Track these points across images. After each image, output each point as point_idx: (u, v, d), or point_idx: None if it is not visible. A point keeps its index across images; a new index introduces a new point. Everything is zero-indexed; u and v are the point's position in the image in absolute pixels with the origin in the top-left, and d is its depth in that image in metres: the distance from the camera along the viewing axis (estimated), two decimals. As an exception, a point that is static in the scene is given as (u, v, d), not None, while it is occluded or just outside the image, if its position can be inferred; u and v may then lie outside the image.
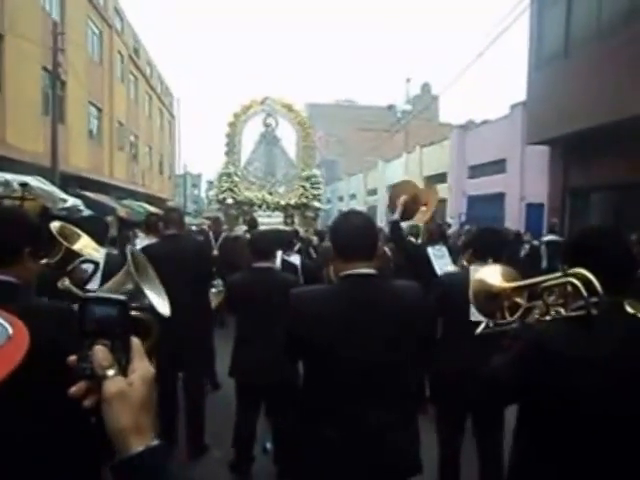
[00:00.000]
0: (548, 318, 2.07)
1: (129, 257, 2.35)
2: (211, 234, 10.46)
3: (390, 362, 2.33)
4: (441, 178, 28.75)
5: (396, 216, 5.42)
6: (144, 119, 35.13)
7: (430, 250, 5.82)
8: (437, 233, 6.47)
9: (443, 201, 28.03)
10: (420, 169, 32.33)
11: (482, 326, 2.38)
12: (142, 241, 6.59)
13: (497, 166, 22.43)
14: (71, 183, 17.90)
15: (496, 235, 3.99)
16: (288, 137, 15.94)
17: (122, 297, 1.00)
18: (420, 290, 2.54)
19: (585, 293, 1.88)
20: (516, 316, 2.24)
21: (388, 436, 2.30)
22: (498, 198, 22.08)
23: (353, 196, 51.34)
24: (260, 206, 14.90)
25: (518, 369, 2.00)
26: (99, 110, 25.57)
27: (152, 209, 25.32)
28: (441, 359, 3.62)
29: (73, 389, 0.87)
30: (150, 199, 30.96)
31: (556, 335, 1.94)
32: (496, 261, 3.40)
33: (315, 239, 10.65)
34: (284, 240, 6.44)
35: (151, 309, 2.32)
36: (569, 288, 1.99)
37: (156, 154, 39.26)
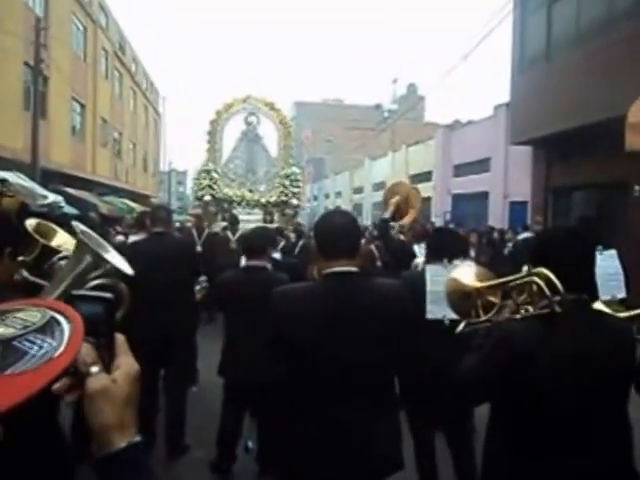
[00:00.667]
0: (518, 316, 2.13)
1: (77, 229, 2.30)
2: (194, 231, 10.42)
3: (372, 360, 2.32)
4: (426, 177, 28.89)
5: (387, 215, 5.46)
6: (128, 116, 34.90)
7: (416, 248, 5.86)
8: (421, 232, 6.67)
9: (428, 199, 28.18)
10: (406, 168, 32.45)
11: (462, 325, 2.40)
12: (133, 239, 6.54)
13: (481, 165, 22.63)
14: (52, 179, 17.76)
15: (451, 235, 4.07)
16: (269, 135, 15.93)
17: (108, 295, 1.00)
18: (404, 288, 2.55)
19: (547, 292, 1.93)
20: (490, 315, 2.28)
21: (370, 434, 2.31)
22: (482, 197, 22.27)
23: (339, 194, 51.45)
24: (239, 203, 14.86)
25: (488, 367, 2.04)
26: (82, 106, 25.37)
27: (135, 206, 25.25)
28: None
29: (56, 385, 0.85)
30: (134, 196, 30.83)
31: (523, 333, 1.99)
32: (451, 260, 3.44)
33: (293, 236, 10.65)
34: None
35: (117, 272, 2.28)
36: (534, 287, 2.03)
37: (140, 151, 39.03)
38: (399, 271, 4.26)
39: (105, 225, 16.21)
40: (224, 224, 11.27)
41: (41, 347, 0.84)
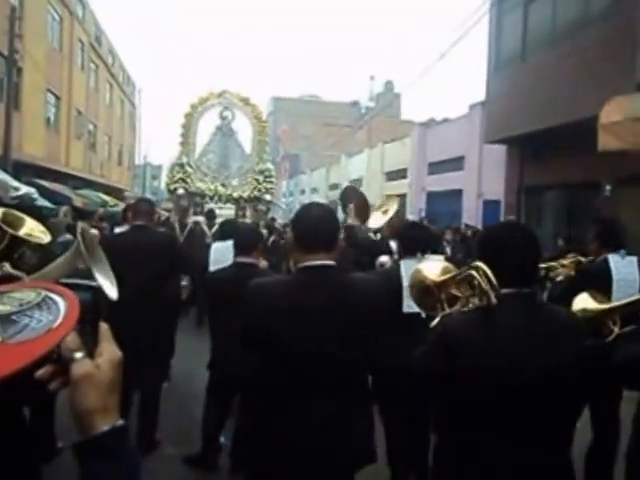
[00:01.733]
0: (465, 309, 2.24)
1: (79, 236, 2.32)
2: (177, 225, 10.42)
3: (347, 354, 2.30)
4: (402, 174, 29.08)
5: (350, 221, 5.61)
6: (104, 108, 34.47)
7: (393, 244, 5.95)
8: (399, 228, 6.68)
9: (403, 196, 28.36)
10: (381, 165, 32.62)
11: (437, 320, 2.43)
12: (119, 231, 6.54)
13: (456, 163, 22.82)
14: (25, 171, 17.51)
15: (422, 230, 4.18)
16: (244, 130, 15.90)
17: (94, 283, 1.05)
18: (379, 284, 2.58)
19: (484, 285, 2.01)
20: (454, 308, 2.36)
21: (343, 429, 2.30)
22: (456, 194, 22.47)
23: (315, 190, 51.39)
24: (212, 198, 14.82)
25: (430, 358, 2.14)
26: (57, 98, 24.99)
27: (109, 199, 24.98)
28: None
29: (40, 372, 0.87)
30: (108, 189, 30.46)
31: (459, 325, 2.09)
32: (424, 254, 3.57)
33: (265, 232, 10.69)
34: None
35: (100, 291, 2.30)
36: (475, 282, 2.11)
37: (115, 144, 38.58)
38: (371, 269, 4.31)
39: (79, 218, 16.06)
40: (196, 218, 11.25)
41: (40, 320, 0.90)
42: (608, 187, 12.10)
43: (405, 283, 3.38)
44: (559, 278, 4.58)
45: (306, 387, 2.28)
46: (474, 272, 2.09)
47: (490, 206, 19.11)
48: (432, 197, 25.40)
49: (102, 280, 2.41)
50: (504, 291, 2.00)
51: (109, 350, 0.95)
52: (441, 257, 3.61)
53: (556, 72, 12.43)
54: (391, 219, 6.75)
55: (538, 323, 2.03)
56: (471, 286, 2.22)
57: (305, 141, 60.25)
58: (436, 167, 25.23)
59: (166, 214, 12.90)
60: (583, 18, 12.35)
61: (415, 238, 3.84)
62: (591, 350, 2.16)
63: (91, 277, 2.31)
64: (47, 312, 0.92)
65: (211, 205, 13.91)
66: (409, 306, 3.32)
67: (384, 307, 2.48)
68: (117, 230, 6.92)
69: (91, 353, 0.93)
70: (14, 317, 0.90)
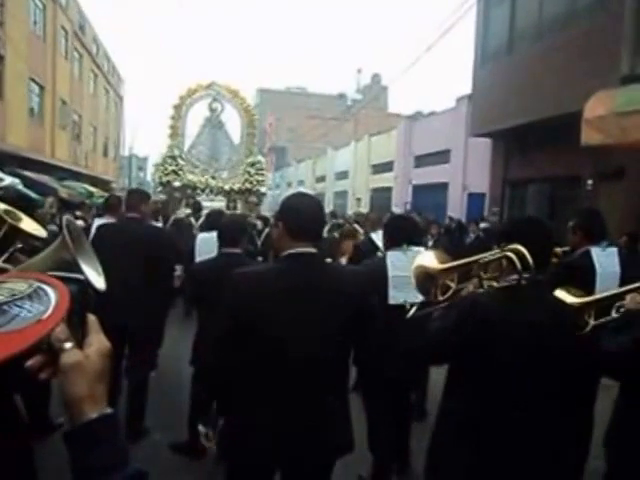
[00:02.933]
0: (481, 291, 2.35)
1: (65, 228, 2.32)
2: (160, 217, 10.38)
3: (330, 342, 2.33)
4: (388, 167, 29.17)
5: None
6: (89, 98, 34.10)
7: (374, 236, 6.07)
8: (376, 221, 7.18)
9: (389, 189, 28.47)
10: (368, 158, 32.67)
11: (413, 310, 2.57)
12: (100, 222, 6.40)
13: (441, 157, 22.94)
14: (9, 162, 17.34)
15: (407, 221, 4.23)
16: (233, 122, 15.89)
17: (81, 276, 1.07)
18: (364, 274, 2.65)
19: (519, 265, 2.17)
20: (446, 297, 2.43)
21: (324, 419, 2.34)
22: (442, 187, 22.59)
23: (301, 182, 51.39)
24: (203, 190, 14.81)
25: (451, 332, 2.26)
26: (41, 87, 24.65)
27: (95, 191, 24.81)
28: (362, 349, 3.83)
29: (30, 362, 0.88)
30: (93, 181, 30.24)
31: (488, 301, 2.25)
32: (409, 245, 3.62)
33: (259, 223, 10.70)
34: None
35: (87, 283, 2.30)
36: (504, 263, 2.27)
37: (101, 135, 38.24)
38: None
39: (65, 210, 15.96)
40: (188, 211, 11.25)
41: (30, 311, 0.92)
42: (589, 181, 12.23)
43: (391, 274, 3.43)
44: None
45: (289, 374, 2.29)
46: (511, 253, 2.23)
47: (475, 199, 19.25)
48: (418, 190, 25.50)
49: (88, 271, 2.41)
50: (526, 276, 2.18)
51: (98, 341, 0.97)
52: (422, 249, 3.64)
53: (542, 66, 12.52)
54: (368, 214, 7.05)
55: (553, 306, 2.30)
56: (491, 269, 2.37)
57: (291, 133, 60.16)
58: (422, 160, 25.34)
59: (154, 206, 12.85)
60: (569, 13, 12.44)
61: (400, 229, 3.88)
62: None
63: (78, 269, 2.32)
64: (38, 303, 0.94)
65: (199, 197, 13.89)
66: (394, 297, 3.36)
67: (368, 296, 2.51)
68: (97, 222, 6.80)
69: (80, 344, 0.94)
70: (5, 307, 0.92)
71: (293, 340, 2.27)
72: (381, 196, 29.53)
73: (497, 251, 2.33)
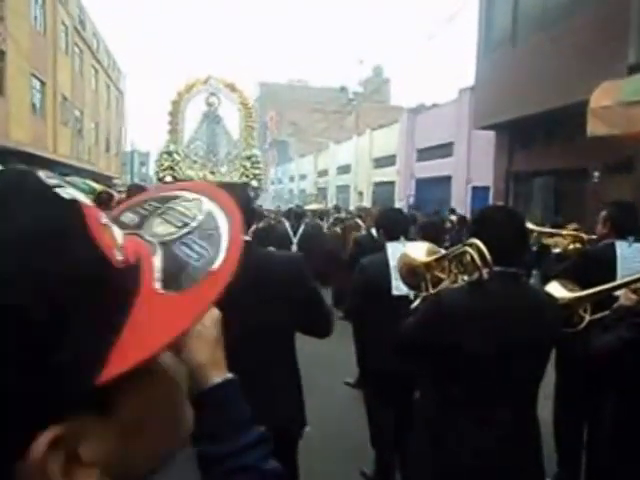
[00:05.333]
0: (456, 285, 2.36)
1: None
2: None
3: (264, 325, 2.35)
4: (390, 160, 29.07)
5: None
6: (90, 94, 34.07)
7: (374, 232, 6.11)
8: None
9: (392, 183, 28.39)
10: (370, 151, 32.58)
11: (417, 301, 2.59)
12: None
13: (445, 150, 22.82)
14: (11, 158, 17.29)
15: (400, 214, 4.30)
16: (231, 116, 15.85)
17: None
18: (301, 260, 2.64)
19: (478, 261, 2.14)
20: (444, 284, 2.46)
21: (271, 398, 2.34)
22: (445, 181, 22.49)
23: (303, 177, 51.38)
24: (201, 185, 14.80)
25: (421, 327, 2.31)
26: (42, 83, 24.62)
27: (97, 186, 24.77)
28: (367, 341, 3.88)
29: None
30: (96, 176, 30.21)
31: (452, 297, 2.25)
32: (406, 237, 3.64)
33: None
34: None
35: None
36: (468, 258, 2.24)
37: (102, 130, 38.22)
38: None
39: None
40: None
41: (200, 255, 0.62)
42: (596, 173, 12.15)
43: (392, 264, 3.43)
44: (556, 250, 4.55)
45: (232, 355, 2.33)
46: (469, 248, 2.21)
47: (479, 192, 19.18)
48: (421, 184, 25.42)
49: None
50: (494, 269, 2.15)
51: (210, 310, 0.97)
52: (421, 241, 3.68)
53: (546, 57, 12.42)
54: (370, 209, 7.06)
55: (521, 300, 2.24)
56: (462, 263, 2.35)
57: (293, 127, 60.06)
58: (425, 153, 25.23)
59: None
60: (574, 1, 12.32)
61: (395, 221, 3.93)
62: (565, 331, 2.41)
63: None
64: (207, 241, 0.64)
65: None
66: (397, 288, 3.38)
67: (297, 278, 2.52)
68: None
69: None
70: (174, 248, 0.63)
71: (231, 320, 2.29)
72: (384, 190, 29.45)
73: (459, 246, 2.34)
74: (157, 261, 0.59)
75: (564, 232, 4.68)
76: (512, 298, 2.22)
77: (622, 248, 3.64)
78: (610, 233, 3.79)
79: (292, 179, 56.36)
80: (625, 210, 3.88)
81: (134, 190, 5.13)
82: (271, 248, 3.65)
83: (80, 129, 31.58)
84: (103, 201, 6.21)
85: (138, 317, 0.50)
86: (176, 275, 0.58)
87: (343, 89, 44.97)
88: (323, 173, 44.64)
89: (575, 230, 4.77)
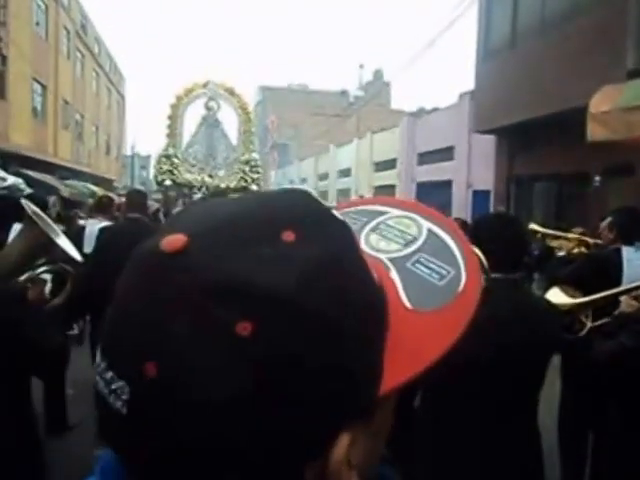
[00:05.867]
0: None
1: (27, 210, 2.26)
2: (161, 215, 10.35)
3: None
4: (391, 164, 29.07)
5: None
6: (91, 98, 34.15)
7: None
8: None
9: (392, 187, 28.39)
10: (370, 155, 32.58)
11: None
12: (94, 223, 6.24)
13: (445, 154, 22.78)
14: (12, 162, 17.34)
15: None
16: (229, 121, 15.89)
17: None
18: None
19: None
20: None
21: None
22: (446, 185, 22.46)
23: (304, 180, 51.35)
24: (199, 189, 14.79)
25: None
26: (43, 87, 24.70)
27: (97, 190, 24.82)
28: None
29: None
30: (96, 180, 30.29)
31: None
32: None
33: None
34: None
35: (67, 258, 2.29)
36: None
37: (103, 134, 38.29)
38: None
39: (67, 209, 15.94)
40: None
41: (441, 275, 0.60)
42: (597, 178, 12.13)
43: None
44: (561, 253, 4.53)
45: None
46: None
47: (480, 196, 19.13)
48: (422, 188, 25.39)
49: (63, 244, 2.36)
50: (492, 276, 2.14)
51: None
52: None
53: (546, 61, 12.42)
54: None
55: (519, 307, 2.23)
56: None
57: (293, 130, 60.08)
58: (426, 157, 25.21)
59: (156, 205, 12.87)
60: (573, 6, 12.32)
61: None
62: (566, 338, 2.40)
63: (57, 248, 2.30)
64: (443, 259, 0.62)
65: (196, 196, 13.87)
66: None
67: None
68: (91, 222, 6.61)
69: None
70: (410, 265, 0.61)
71: None
72: (384, 194, 29.42)
73: None
74: (396, 278, 0.59)
75: (569, 235, 4.67)
76: (510, 305, 2.20)
77: (628, 253, 3.61)
78: (616, 239, 3.78)
79: (292, 182, 56.35)
80: (631, 216, 3.87)
81: (134, 195, 5.13)
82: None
83: (81, 133, 31.67)
84: (104, 206, 6.18)
85: (398, 334, 0.53)
86: (421, 293, 0.58)
87: (344, 93, 45.13)
88: (324, 176, 44.63)
89: (581, 234, 4.76)
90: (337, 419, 0.47)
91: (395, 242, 0.64)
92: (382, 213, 0.69)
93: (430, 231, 0.65)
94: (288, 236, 0.45)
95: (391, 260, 0.62)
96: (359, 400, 0.48)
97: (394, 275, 0.59)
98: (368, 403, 0.49)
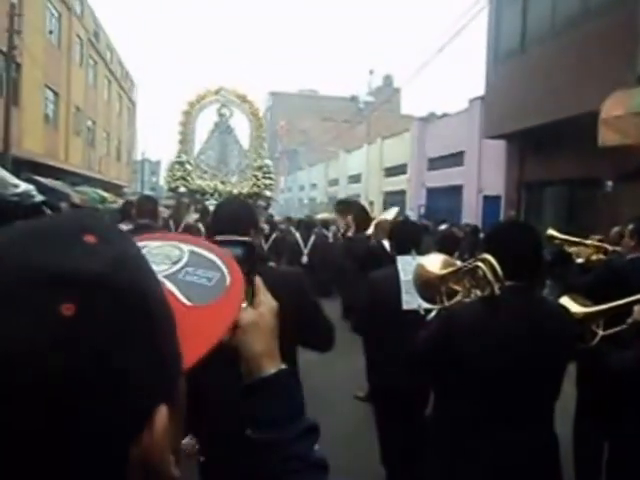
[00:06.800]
0: (467, 300, 2.35)
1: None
2: (171, 222, 10.36)
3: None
4: (401, 170, 29.06)
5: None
6: (102, 104, 34.39)
7: (386, 243, 6.13)
8: (386, 227, 7.20)
9: (402, 193, 28.35)
10: (380, 160, 32.58)
11: (432, 315, 2.55)
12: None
13: (456, 159, 22.75)
14: (24, 168, 17.47)
15: (413, 227, 4.30)
16: (241, 127, 15.96)
17: (247, 238, 1.04)
18: (300, 277, 2.59)
19: (490, 276, 2.13)
20: (452, 302, 2.43)
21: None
22: (456, 190, 22.41)
23: (314, 186, 51.44)
24: (212, 195, 14.84)
25: (432, 343, 2.32)
26: (56, 94, 24.93)
27: (108, 196, 24.99)
28: (374, 356, 3.83)
29: None
30: (107, 185, 30.46)
31: (463, 314, 2.25)
32: (417, 250, 3.65)
33: (267, 227, 10.67)
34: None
35: None
36: (480, 273, 2.23)
37: (114, 140, 38.53)
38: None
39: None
40: (196, 216, 11.26)
41: (209, 278, 0.82)
42: (609, 183, 12.05)
43: (402, 278, 3.40)
44: (579, 260, 4.49)
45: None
46: (481, 263, 2.19)
47: (490, 202, 19.07)
48: (432, 193, 25.35)
49: None
50: (506, 284, 2.13)
51: (267, 300, 1.02)
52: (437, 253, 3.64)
53: (557, 66, 12.38)
54: (379, 221, 7.13)
55: (533, 314, 2.21)
56: (475, 278, 2.33)
57: (303, 136, 60.21)
58: (436, 163, 25.18)
59: (167, 211, 12.91)
60: (583, 11, 12.28)
61: (407, 235, 3.90)
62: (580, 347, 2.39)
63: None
64: (206, 268, 0.83)
65: (208, 202, 13.91)
66: (407, 302, 3.34)
67: (304, 297, 2.48)
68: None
69: (251, 304, 0.99)
70: (179, 277, 0.79)
71: None
72: (394, 199, 29.39)
73: (472, 260, 2.33)
74: (172, 287, 0.74)
75: (588, 242, 4.63)
76: (525, 313, 2.20)
77: None
78: (637, 247, 3.73)
79: (302, 188, 56.42)
80: None
81: (144, 202, 5.13)
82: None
83: (92, 139, 31.88)
84: (149, 209, 6.00)
85: (186, 325, 0.63)
86: (197, 293, 0.76)
87: (354, 98, 45.12)
88: (334, 182, 44.66)
89: (599, 241, 4.71)
90: (156, 390, 0.54)
91: (163, 264, 0.80)
92: (143, 247, 0.79)
93: (192, 252, 0.86)
94: (90, 238, 0.52)
95: (164, 276, 0.76)
96: (170, 372, 0.57)
97: (169, 286, 0.74)
98: (176, 377, 0.59)
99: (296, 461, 0.92)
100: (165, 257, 0.82)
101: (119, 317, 0.50)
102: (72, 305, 0.47)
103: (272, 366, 0.96)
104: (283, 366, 0.98)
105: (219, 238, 1.03)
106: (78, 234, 0.52)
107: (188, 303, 0.73)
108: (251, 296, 0.99)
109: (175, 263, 0.82)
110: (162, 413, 0.54)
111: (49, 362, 0.45)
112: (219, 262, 0.85)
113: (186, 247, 0.86)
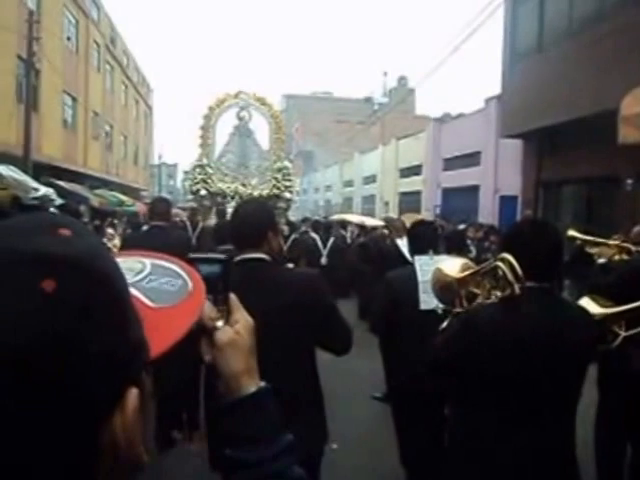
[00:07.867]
0: (488, 302, 2.30)
1: None
2: (189, 224, 10.45)
3: (280, 343, 2.29)
4: (416, 170, 28.98)
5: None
6: (120, 109, 34.72)
7: (399, 242, 6.13)
8: (401, 227, 7.21)
9: (418, 193, 28.27)
10: (396, 161, 32.51)
11: (449, 318, 2.53)
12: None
13: (472, 159, 22.62)
14: (44, 172, 17.71)
15: (429, 227, 4.22)
16: (261, 129, 16.05)
17: (223, 256, 1.06)
18: (317, 278, 2.58)
19: (510, 276, 2.08)
20: (476, 301, 2.41)
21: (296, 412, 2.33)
22: (472, 190, 22.28)
23: (329, 187, 51.44)
24: (233, 197, 14.92)
25: (453, 346, 2.27)
26: (74, 99, 25.24)
27: (125, 199, 25.22)
28: (392, 356, 3.84)
29: (203, 344, 0.97)
30: (124, 189, 30.72)
31: (485, 316, 2.20)
32: (435, 251, 3.62)
33: (286, 229, 10.69)
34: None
35: None
36: (500, 273, 2.18)
37: (131, 144, 38.85)
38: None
39: (97, 218, 16.23)
40: (209, 221, 11.33)
41: (172, 284, 0.87)
42: (629, 181, 11.92)
43: (420, 278, 3.40)
44: (601, 260, 4.45)
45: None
46: (500, 263, 2.15)
47: (507, 202, 18.93)
48: (447, 193, 25.23)
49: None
50: (527, 284, 2.09)
51: (243, 317, 1.01)
52: (444, 256, 3.61)
53: (574, 64, 12.30)
54: (393, 220, 7.22)
55: (554, 315, 2.17)
56: (495, 278, 2.28)
57: (318, 138, 60.26)
58: (451, 163, 25.06)
59: (183, 215, 13.00)
60: (601, 8, 12.18)
61: (424, 235, 3.87)
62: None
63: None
64: (169, 277, 0.90)
65: (229, 204, 13.97)
66: (425, 302, 3.33)
67: (315, 300, 2.47)
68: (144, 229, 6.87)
69: (227, 321, 0.99)
70: (144, 284, 0.85)
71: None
72: (410, 200, 29.34)
73: (492, 261, 2.29)
74: (136, 293, 0.79)
75: (610, 242, 4.58)
76: (545, 314, 2.16)
77: None
78: None
79: (317, 190, 56.46)
80: None
81: (157, 203, 5.13)
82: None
83: (110, 143, 32.19)
84: (162, 211, 5.92)
85: (151, 323, 0.69)
86: (161, 297, 0.82)
87: (368, 100, 45.14)
88: (348, 183, 44.64)
89: (623, 241, 4.65)
90: (126, 371, 0.58)
91: (127, 275, 0.80)
92: None
93: (153, 264, 0.92)
94: (64, 231, 0.57)
95: (129, 284, 0.77)
96: (139, 356, 0.61)
97: (134, 291, 0.77)
98: (144, 362, 0.63)
99: (276, 479, 0.93)
100: (128, 270, 0.85)
101: (93, 298, 0.55)
102: (52, 282, 0.52)
103: (251, 384, 0.96)
104: (262, 384, 0.98)
105: (193, 256, 1.04)
106: (54, 228, 0.57)
107: (153, 305, 0.79)
108: (227, 314, 0.99)
109: (138, 274, 0.88)
110: (133, 395, 0.59)
111: (26, 332, 0.50)
112: (180, 271, 0.92)
113: (148, 260, 0.94)
